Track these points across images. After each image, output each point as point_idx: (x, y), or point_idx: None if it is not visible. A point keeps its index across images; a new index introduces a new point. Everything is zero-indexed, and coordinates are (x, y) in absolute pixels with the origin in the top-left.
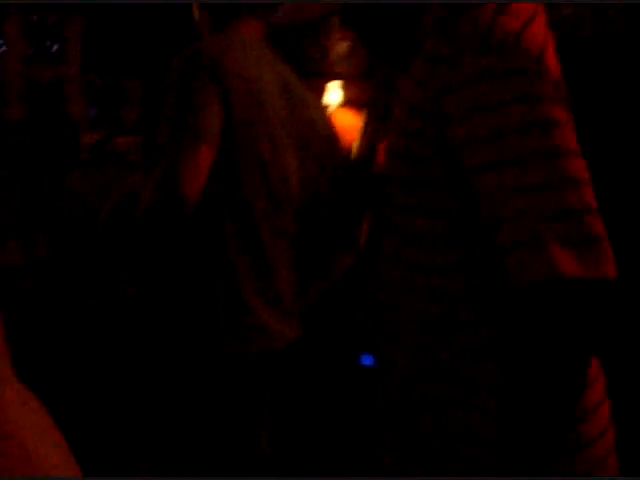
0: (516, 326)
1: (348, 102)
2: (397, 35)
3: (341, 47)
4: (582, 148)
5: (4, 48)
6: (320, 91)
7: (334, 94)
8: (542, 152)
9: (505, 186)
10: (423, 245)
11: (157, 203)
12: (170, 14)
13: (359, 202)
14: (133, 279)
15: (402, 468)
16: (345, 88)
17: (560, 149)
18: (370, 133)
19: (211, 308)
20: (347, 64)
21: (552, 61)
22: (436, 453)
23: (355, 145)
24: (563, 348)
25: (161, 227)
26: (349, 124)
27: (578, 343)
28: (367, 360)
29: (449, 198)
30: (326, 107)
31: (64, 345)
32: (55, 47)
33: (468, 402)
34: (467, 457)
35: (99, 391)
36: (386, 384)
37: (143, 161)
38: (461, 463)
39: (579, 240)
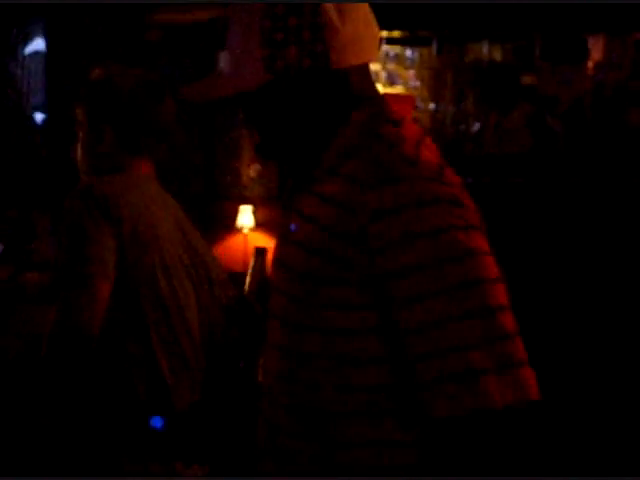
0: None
1: (260, 225)
2: (304, 153)
3: (252, 171)
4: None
5: None
6: (233, 214)
7: (246, 217)
8: (467, 283)
9: (431, 318)
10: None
11: (60, 342)
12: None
13: (252, 335)
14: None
15: None
16: (256, 211)
17: (483, 277)
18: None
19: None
20: (257, 188)
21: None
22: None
23: (247, 278)
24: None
25: (66, 361)
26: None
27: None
28: (156, 422)
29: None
30: (240, 229)
31: None
32: None
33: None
34: None
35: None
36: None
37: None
38: None
39: (505, 367)
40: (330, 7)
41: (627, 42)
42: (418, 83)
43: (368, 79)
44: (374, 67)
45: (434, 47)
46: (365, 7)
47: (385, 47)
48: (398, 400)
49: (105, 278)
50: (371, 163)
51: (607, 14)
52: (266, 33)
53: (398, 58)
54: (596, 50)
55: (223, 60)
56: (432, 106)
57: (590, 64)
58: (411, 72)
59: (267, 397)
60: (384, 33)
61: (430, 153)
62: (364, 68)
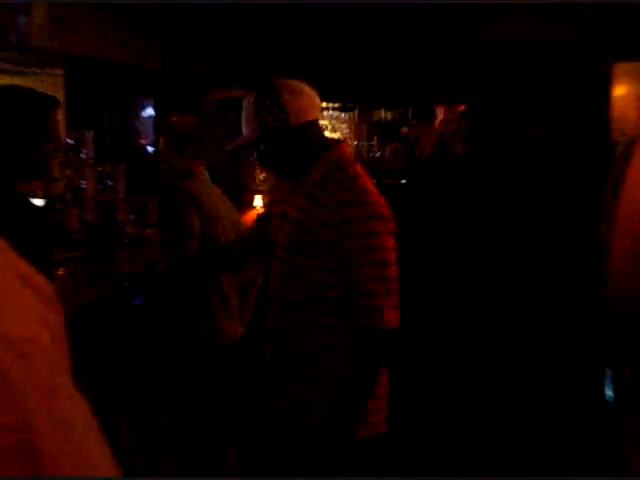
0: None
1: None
2: (295, 169)
3: (261, 175)
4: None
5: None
6: (250, 199)
7: (258, 201)
8: (383, 260)
9: (365, 268)
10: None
11: (173, 265)
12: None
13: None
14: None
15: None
16: (262, 198)
17: (389, 258)
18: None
19: (198, 321)
20: (264, 185)
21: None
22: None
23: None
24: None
25: (179, 275)
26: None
27: (381, 360)
28: (138, 300)
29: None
30: (255, 207)
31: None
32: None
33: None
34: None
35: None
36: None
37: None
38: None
39: (396, 307)
40: (285, 91)
41: (456, 109)
42: (347, 131)
43: (319, 129)
44: (323, 122)
45: (356, 112)
46: (305, 86)
47: (331, 112)
48: (348, 321)
49: (193, 239)
50: (343, 189)
51: (445, 93)
52: (257, 110)
53: (337, 117)
54: (440, 113)
55: (242, 125)
56: (355, 143)
57: (437, 121)
58: (344, 125)
59: (270, 340)
60: (331, 104)
61: (371, 183)
62: (314, 122)
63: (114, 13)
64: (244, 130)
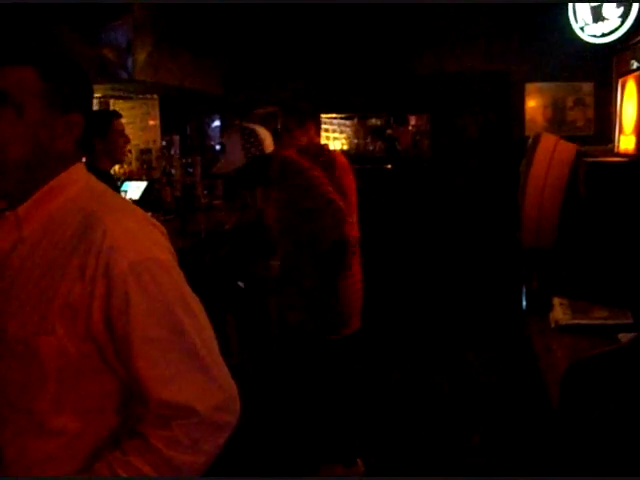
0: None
1: None
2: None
3: None
4: None
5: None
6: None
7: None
8: (317, 184)
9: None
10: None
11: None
12: None
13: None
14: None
15: None
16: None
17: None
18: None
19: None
20: None
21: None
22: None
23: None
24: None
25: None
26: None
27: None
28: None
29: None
30: None
31: None
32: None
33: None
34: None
35: None
36: None
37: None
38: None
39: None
40: (259, 132)
41: (424, 117)
42: (351, 133)
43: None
44: (332, 127)
45: (355, 120)
46: (265, 131)
47: (339, 120)
48: None
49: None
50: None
51: (415, 106)
52: (243, 144)
53: (344, 124)
54: (412, 120)
55: (229, 155)
56: (356, 141)
57: (410, 125)
58: (348, 129)
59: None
60: (340, 115)
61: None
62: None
63: (190, 55)
64: (232, 160)
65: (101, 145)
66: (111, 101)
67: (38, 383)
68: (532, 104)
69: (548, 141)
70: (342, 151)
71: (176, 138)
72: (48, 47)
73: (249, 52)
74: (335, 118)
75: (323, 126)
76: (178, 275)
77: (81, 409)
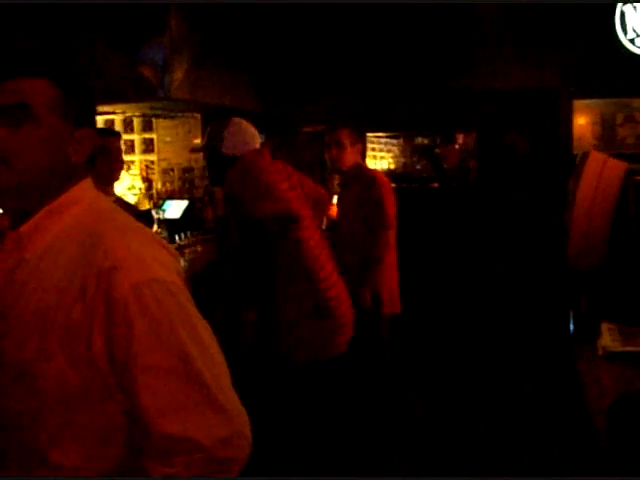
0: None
1: None
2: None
3: (335, 182)
4: None
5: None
6: None
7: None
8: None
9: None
10: None
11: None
12: None
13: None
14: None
15: None
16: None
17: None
18: None
19: None
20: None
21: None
22: None
23: None
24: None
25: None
26: None
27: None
28: None
29: None
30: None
31: None
32: None
33: None
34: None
35: None
36: None
37: None
38: None
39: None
40: (230, 127)
41: (471, 135)
42: (398, 153)
43: (255, 157)
44: (379, 146)
45: (402, 139)
46: (244, 126)
47: (385, 139)
48: None
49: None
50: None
51: (462, 124)
52: (209, 131)
53: (387, 142)
54: (459, 138)
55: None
56: (402, 160)
57: (457, 144)
58: (395, 148)
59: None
60: (385, 134)
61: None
62: (251, 152)
63: (228, 72)
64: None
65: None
66: (153, 120)
67: (37, 414)
68: (581, 121)
69: (596, 159)
70: (388, 170)
71: None
72: (59, 60)
73: (290, 69)
74: (381, 137)
75: (369, 145)
76: (185, 298)
77: (81, 442)
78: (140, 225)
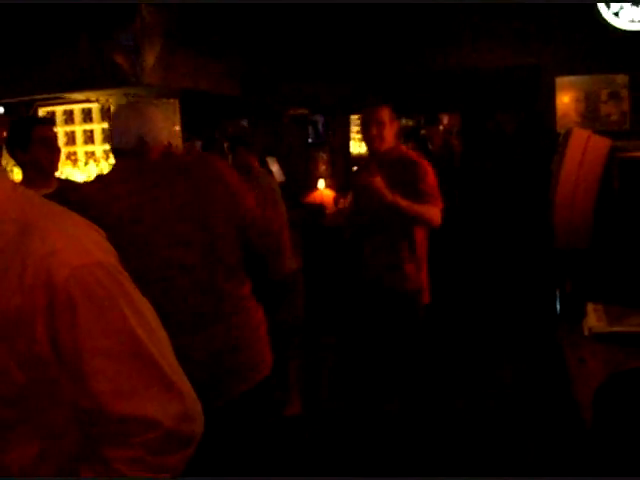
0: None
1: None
2: None
3: (322, 165)
4: None
5: None
6: (315, 182)
7: (321, 184)
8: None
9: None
10: None
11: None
12: None
13: None
14: None
15: None
16: (324, 181)
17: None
18: None
19: None
20: (325, 172)
21: None
22: None
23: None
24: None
25: None
26: None
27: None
28: None
29: None
30: (318, 188)
31: None
32: None
33: None
34: None
35: None
36: None
37: None
38: None
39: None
40: (114, 117)
41: (454, 116)
42: None
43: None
44: None
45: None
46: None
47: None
48: None
49: None
50: None
51: (446, 105)
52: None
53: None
54: (443, 119)
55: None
56: None
57: (441, 125)
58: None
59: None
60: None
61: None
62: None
63: (203, 57)
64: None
65: (25, 158)
66: None
67: None
68: (565, 99)
69: (580, 136)
70: None
71: (197, 143)
72: None
73: (269, 52)
74: None
75: (353, 127)
76: (125, 279)
77: (33, 440)
78: (65, 209)
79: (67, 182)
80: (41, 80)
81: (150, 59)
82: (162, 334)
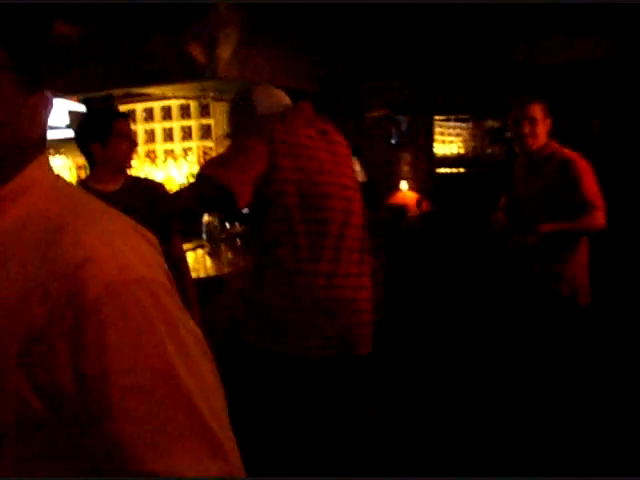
0: None
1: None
2: None
3: (404, 165)
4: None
5: None
6: (397, 183)
7: (404, 185)
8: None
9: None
10: None
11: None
12: None
13: None
14: None
15: None
16: (407, 182)
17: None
18: None
19: None
20: (407, 173)
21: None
22: None
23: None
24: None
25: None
26: None
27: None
28: None
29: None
30: (401, 189)
31: None
32: None
33: None
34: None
35: None
36: None
37: None
38: None
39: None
40: (256, 93)
41: None
42: (468, 137)
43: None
44: (448, 131)
45: (471, 122)
46: (275, 91)
47: (452, 122)
48: None
49: None
50: None
51: None
52: (232, 111)
53: (455, 126)
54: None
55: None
56: (473, 144)
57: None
58: (465, 132)
59: None
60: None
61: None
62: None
63: (281, 51)
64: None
65: (102, 152)
66: (211, 105)
67: None
68: None
69: None
70: (458, 155)
71: None
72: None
73: (351, 48)
74: (448, 120)
75: (435, 129)
76: (173, 303)
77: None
78: (114, 211)
79: (136, 179)
80: (116, 75)
81: (225, 53)
82: (211, 378)
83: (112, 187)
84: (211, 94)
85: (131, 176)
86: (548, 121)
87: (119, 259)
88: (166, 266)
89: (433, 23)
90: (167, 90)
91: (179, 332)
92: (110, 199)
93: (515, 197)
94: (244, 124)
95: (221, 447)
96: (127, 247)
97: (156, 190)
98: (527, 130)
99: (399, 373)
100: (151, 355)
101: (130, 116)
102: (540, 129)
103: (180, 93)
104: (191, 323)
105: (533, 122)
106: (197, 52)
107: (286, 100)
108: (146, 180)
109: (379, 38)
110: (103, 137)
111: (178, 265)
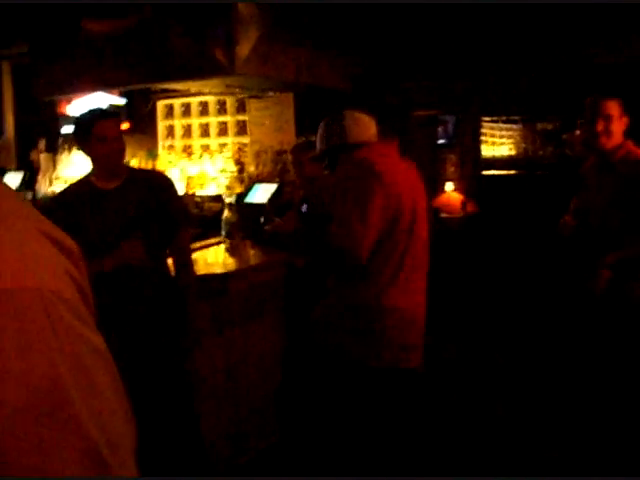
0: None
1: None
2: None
3: (450, 167)
4: None
5: None
6: (443, 185)
7: (449, 186)
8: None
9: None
10: None
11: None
12: None
13: None
14: None
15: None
16: (453, 184)
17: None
18: None
19: None
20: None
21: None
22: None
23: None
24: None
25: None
26: None
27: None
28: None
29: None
30: (446, 191)
31: None
32: None
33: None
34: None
35: None
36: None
37: None
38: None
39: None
40: (348, 118)
41: None
42: (519, 139)
43: (367, 147)
44: (500, 133)
45: (521, 124)
46: (365, 118)
47: (499, 124)
48: None
49: None
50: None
51: None
52: (324, 132)
53: (503, 128)
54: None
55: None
56: (523, 146)
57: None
58: (516, 134)
59: None
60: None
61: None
62: (367, 143)
63: (305, 48)
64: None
65: (86, 154)
66: (246, 101)
67: None
68: None
69: None
70: (510, 157)
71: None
72: None
73: (388, 43)
74: (496, 121)
75: (483, 130)
76: (73, 318)
77: None
78: (27, 211)
79: (135, 172)
80: (141, 72)
81: (244, 50)
82: (112, 405)
83: (113, 184)
84: (237, 90)
85: (131, 169)
86: (625, 119)
87: (17, 266)
88: (81, 276)
89: (480, 22)
90: (192, 86)
91: (75, 347)
92: (113, 196)
93: (584, 200)
94: (346, 161)
95: (110, 472)
96: (27, 253)
97: (155, 179)
98: (601, 127)
99: (449, 381)
100: (38, 376)
101: (119, 115)
102: (615, 127)
103: (206, 89)
104: (95, 339)
105: (608, 119)
106: (216, 49)
107: (374, 129)
108: (145, 171)
109: (428, 37)
110: (83, 142)
111: (182, 255)
